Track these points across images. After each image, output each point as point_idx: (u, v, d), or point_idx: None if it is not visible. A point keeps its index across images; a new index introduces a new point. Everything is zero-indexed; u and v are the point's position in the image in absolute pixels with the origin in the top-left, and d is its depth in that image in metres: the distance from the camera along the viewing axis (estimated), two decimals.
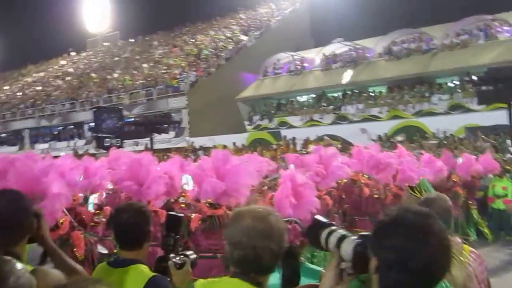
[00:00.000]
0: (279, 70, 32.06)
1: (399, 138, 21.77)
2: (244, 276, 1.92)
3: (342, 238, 1.71)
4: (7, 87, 51.69)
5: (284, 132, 26.96)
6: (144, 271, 2.62)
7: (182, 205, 7.34)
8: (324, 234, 1.76)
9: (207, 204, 6.17)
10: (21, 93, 46.32)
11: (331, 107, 27.76)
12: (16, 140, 39.80)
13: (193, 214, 6.42)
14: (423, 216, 1.47)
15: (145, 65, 39.31)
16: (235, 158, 6.81)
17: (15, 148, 36.17)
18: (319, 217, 1.87)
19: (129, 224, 2.76)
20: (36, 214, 2.37)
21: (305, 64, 30.85)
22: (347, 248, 1.66)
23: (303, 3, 42.42)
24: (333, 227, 1.78)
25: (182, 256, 2.68)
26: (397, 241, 1.42)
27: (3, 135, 41.97)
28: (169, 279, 2.60)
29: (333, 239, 1.73)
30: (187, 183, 7.49)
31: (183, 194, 7.63)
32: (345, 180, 8.87)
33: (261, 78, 32.33)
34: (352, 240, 1.68)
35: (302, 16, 41.70)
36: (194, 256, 2.77)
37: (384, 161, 9.32)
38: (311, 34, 40.88)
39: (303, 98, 30.38)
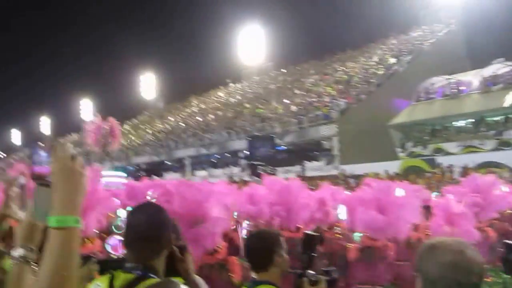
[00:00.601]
0: (433, 94, 30.91)
1: None
2: None
3: None
4: (172, 118, 55.74)
5: (440, 159, 25.82)
6: None
7: (337, 235, 7.33)
8: None
9: (365, 235, 6.04)
10: (183, 123, 49.62)
11: (492, 132, 26.12)
12: (179, 167, 42.59)
13: (350, 244, 6.39)
14: None
15: (296, 93, 40.16)
16: (399, 190, 6.40)
17: (178, 175, 38.73)
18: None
19: (254, 249, 2.99)
20: (181, 247, 2.39)
21: (462, 87, 29.39)
22: None
23: (458, 24, 40.69)
24: None
25: (318, 272, 2.82)
26: None
27: (168, 162, 45.17)
28: None
29: None
30: (342, 213, 7.48)
31: (338, 223, 7.62)
32: (510, 211, 8.30)
33: (414, 103, 31.39)
34: None
35: (457, 37, 39.98)
36: (336, 275, 2.92)
37: None
38: (467, 56, 38.97)
39: (460, 123, 28.90)
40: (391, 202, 5.94)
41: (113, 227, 7.04)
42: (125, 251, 2.25)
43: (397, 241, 6.14)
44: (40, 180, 1.66)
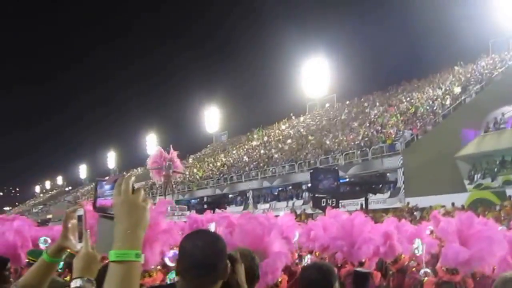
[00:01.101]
0: (503, 124, 29.85)
1: None
2: None
3: None
4: (235, 151, 56.43)
5: (509, 191, 24.76)
6: None
7: (413, 269, 7.19)
8: None
9: (444, 269, 5.84)
10: (246, 156, 50.09)
11: None
12: (242, 200, 42.86)
13: (426, 278, 6.24)
14: None
15: (361, 125, 39.85)
16: (480, 222, 6.21)
17: (240, 207, 38.96)
18: None
19: (313, 280, 2.98)
20: (232, 258, 2.33)
21: None
22: None
23: None
24: None
25: None
26: None
27: (231, 195, 45.56)
28: None
29: None
30: (418, 247, 7.36)
31: (413, 258, 7.50)
32: None
33: (483, 134, 30.39)
34: None
35: None
36: None
37: None
38: None
39: None
40: (473, 235, 5.77)
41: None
42: (178, 280, 2.20)
43: (474, 275, 5.94)
44: (103, 212, 1.74)
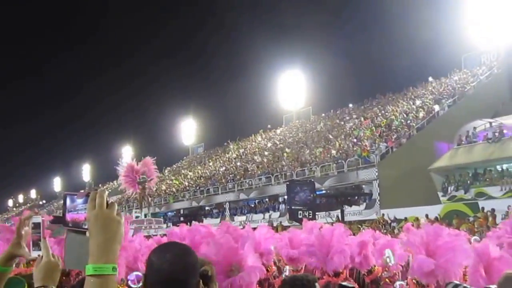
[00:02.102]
0: (475, 138, 30.46)
1: None
2: None
3: None
4: (211, 163, 56.36)
5: (482, 203, 25.21)
6: None
7: (387, 280, 7.23)
8: None
9: (414, 281, 5.87)
10: (223, 169, 50.08)
11: None
12: (218, 212, 42.79)
13: None
14: None
15: (336, 138, 40.20)
16: (448, 234, 6.19)
17: (217, 220, 38.87)
18: None
19: None
20: (205, 275, 2.21)
21: (505, 131, 28.86)
22: None
23: (501, 68, 40.30)
24: None
25: None
26: None
27: (207, 208, 45.45)
28: None
29: None
30: (389, 257, 7.46)
31: (386, 268, 7.58)
32: None
33: (456, 147, 30.95)
34: None
35: (500, 80, 39.49)
36: None
37: None
38: (511, 99, 38.39)
39: (502, 167, 28.29)
40: (439, 246, 5.79)
41: None
42: None
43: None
44: (76, 226, 1.71)
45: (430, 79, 45.22)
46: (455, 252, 5.77)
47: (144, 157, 27.18)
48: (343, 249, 7.23)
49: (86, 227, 1.63)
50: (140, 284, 5.58)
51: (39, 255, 2.23)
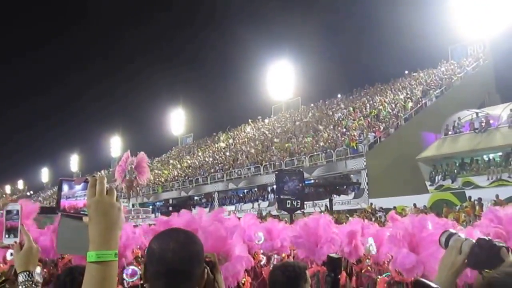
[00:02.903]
0: (461, 128, 30.79)
1: None
2: None
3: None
4: (201, 153, 56.35)
5: (469, 192, 25.53)
6: None
7: (368, 268, 7.27)
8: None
9: (396, 270, 5.87)
10: (212, 159, 50.12)
11: None
12: (207, 202, 42.86)
13: (379, 277, 6.35)
14: None
15: (325, 128, 40.36)
16: (435, 224, 6.09)
17: (206, 210, 38.87)
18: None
19: (277, 282, 2.94)
20: (210, 263, 2.07)
21: (491, 121, 29.20)
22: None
23: (488, 59, 40.67)
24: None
25: None
26: None
27: (196, 197, 45.50)
28: None
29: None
30: (372, 245, 7.52)
31: (368, 257, 7.63)
32: None
33: (443, 137, 31.27)
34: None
35: (486, 71, 39.90)
36: None
37: None
38: (497, 90, 38.83)
39: (489, 157, 28.66)
40: (424, 238, 5.74)
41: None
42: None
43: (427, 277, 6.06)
44: (76, 213, 1.66)
45: (419, 70, 45.42)
46: (438, 245, 5.78)
47: (134, 148, 26.74)
48: (332, 238, 7.31)
49: (84, 213, 1.61)
50: (135, 278, 5.64)
51: (16, 242, 2.27)
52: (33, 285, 2.22)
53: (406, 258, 5.57)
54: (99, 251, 1.51)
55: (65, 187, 1.69)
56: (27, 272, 2.21)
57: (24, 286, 2.19)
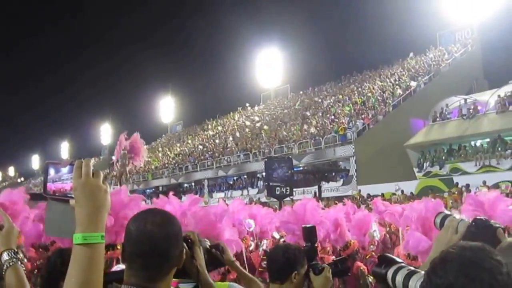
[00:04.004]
0: (449, 114, 30.97)
1: None
2: None
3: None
4: (190, 141, 56.29)
5: (457, 178, 25.73)
6: None
7: (373, 253, 7.27)
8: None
9: (405, 254, 5.93)
10: (201, 146, 50.08)
11: (509, 151, 25.98)
12: (197, 189, 42.89)
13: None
14: (474, 251, 1.37)
15: (314, 115, 40.42)
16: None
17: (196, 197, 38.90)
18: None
19: (275, 261, 2.99)
20: (189, 240, 2.11)
21: (479, 107, 29.37)
22: None
23: (475, 45, 40.82)
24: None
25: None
26: (446, 279, 1.34)
27: (186, 185, 45.52)
28: None
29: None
30: (376, 231, 7.54)
31: (372, 243, 7.66)
32: None
33: (431, 123, 31.45)
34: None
35: (475, 58, 40.05)
36: (346, 265, 3.07)
37: None
38: (485, 77, 39.01)
39: (477, 143, 28.86)
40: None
41: None
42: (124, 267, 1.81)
43: None
44: (63, 196, 1.65)
45: (411, 55, 45.35)
46: None
47: (126, 135, 25.78)
48: (321, 221, 7.34)
49: (71, 195, 1.59)
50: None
51: None
52: (19, 262, 2.28)
53: (420, 241, 5.58)
54: (85, 233, 1.50)
55: (52, 171, 1.69)
56: (12, 250, 2.27)
57: (10, 264, 2.25)
